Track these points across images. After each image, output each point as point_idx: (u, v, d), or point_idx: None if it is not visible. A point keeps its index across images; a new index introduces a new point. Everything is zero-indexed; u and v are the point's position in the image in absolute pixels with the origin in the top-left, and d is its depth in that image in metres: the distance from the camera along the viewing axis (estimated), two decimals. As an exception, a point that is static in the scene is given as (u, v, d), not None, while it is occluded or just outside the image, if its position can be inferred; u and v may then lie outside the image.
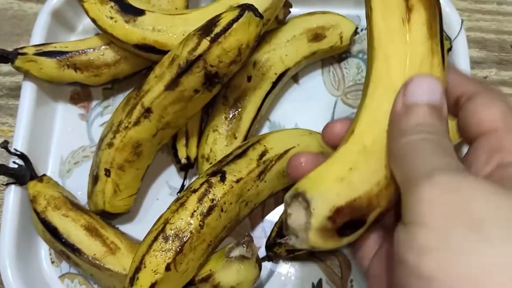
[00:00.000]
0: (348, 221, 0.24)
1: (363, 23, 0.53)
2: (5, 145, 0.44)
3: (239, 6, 0.38)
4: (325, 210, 0.24)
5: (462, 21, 0.48)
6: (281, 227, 0.43)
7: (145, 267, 0.37)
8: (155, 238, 0.38)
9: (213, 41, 0.38)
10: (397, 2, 0.27)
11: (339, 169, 0.25)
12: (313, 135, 0.45)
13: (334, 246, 0.25)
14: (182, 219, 0.38)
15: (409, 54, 0.26)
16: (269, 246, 0.44)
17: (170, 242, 0.38)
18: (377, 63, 0.27)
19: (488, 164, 0.24)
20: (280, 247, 0.43)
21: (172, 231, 0.38)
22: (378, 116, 0.26)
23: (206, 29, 0.38)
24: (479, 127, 0.26)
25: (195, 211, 0.39)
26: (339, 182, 0.25)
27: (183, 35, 0.42)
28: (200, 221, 0.38)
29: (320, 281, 0.45)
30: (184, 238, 0.38)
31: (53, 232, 0.43)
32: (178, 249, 0.37)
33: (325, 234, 0.24)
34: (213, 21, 0.38)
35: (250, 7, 0.38)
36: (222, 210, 0.40)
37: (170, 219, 0.39)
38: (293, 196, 0.25)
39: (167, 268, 0.37)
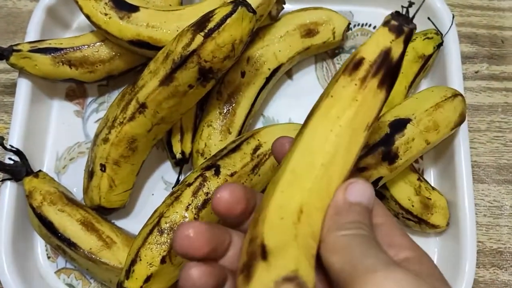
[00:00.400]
0: None
1: (356, 18, 0.54)
2: (1, 141, 0.44)
3: (232, 2, 0.39)
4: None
5: (453, 16, 0.49)
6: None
7: (140, 260, 0.38)
8: (150, 232, 0.38)
9: (207, 36, 0.38)
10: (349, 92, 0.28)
11: None
12: None
13: None
14: (177, 212, 0.39)
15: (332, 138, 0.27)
16: None
17: (165, 235, 0.38)
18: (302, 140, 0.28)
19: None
20: None
21: (167, 225, 0.38)
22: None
23: (200, 25, 0.39)
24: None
25: (189, 204, 0.39)
26: None
27: (177, 31, 0.43)
28: (195, 214, 0.39)
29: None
30: None
31: (49, 227, 0.43)
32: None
33: None
34: (207, 17, 0.39)
35: (243, 3, 0.39)
36: (216, 204, 0.40)
37: (165, 212, 0.39)
38: None
39: (163, 260, 0.37)
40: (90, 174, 0.44)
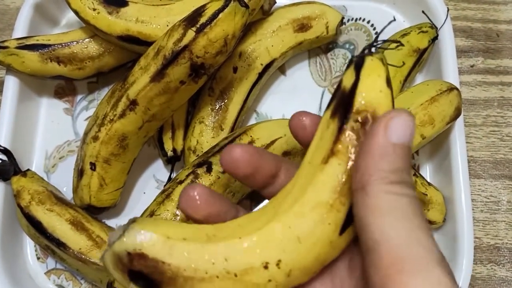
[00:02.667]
0: (143, 273, 0.23)
1: (349, 13, 0.53)
2: None
3: None
4: (131, 245, 0.23)
5: (448, 9, 0.48)
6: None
7: None
8: None
9: (198, 31, 0.37)
10: (327, 140, 0.25)
11: (181, 231, 0.25)
12: None
13: (121, 283, 0.24)
14: (168, 210, 0.38)
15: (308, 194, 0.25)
16: None
17: None
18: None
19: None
20: None
21: None
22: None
23: (191, 20, 0.38)
24: None
25: None
26: (167, 239, 0.24)
27: (167, 25, 0.42)
28: None
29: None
30: None
31: (37, 227, 0.42)
32: None
33: (117, 264, 0.23)
34: (199, 12, 0.38)
35: None
36: (208, 201, 0.39)
37: (155, 210, 0.38)
38: (132, 220, 0.24)
39: None
40: (79, 173, 0.44)
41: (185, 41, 0.38)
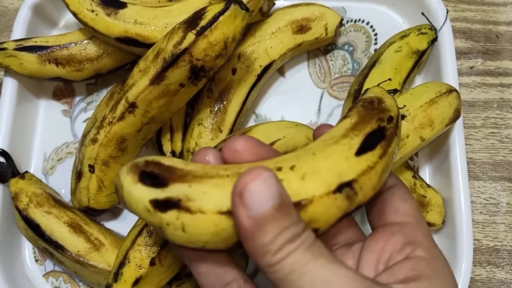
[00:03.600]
0: (154, 173, 0.24)
1: (348, 14, 0.53)
2: None
3: None
4: (150, 157, 0.25)
5: (447, 11, 0.48)
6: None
7: (129, 262, 0.37)
8: (139, 233, 0.38)
9: (199, 34, 0.37)
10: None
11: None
12: (299, 127, 0.44)
13: (128, 187, 0.24)
14: None
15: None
16: None
17: (155, 236, 0.37)
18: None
19: (400, 253, 0.27)
20: None
21: None
22: None
23: (191, 22, 0.38)
24: (395, 216, 0.28)
25: None
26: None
27: (166, 27, 0.42)
28: None
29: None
30: None
31: (35, 229, 0.42)
32: (162, 243, 0.37)
33: (132, 168, 0.25)
34: (199, 14, 0.38)
35: (236, 0, 0.38)
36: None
37: None
38: None
39: (152, 263, 0.37)
40: (78, 175, 0.43)
41: (185, 43, 0.37)
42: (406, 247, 0.26)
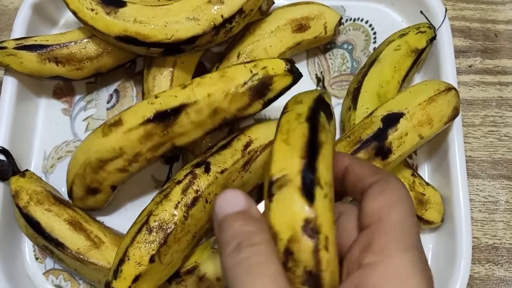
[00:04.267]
0: None
1: (348, 13, 0.53)
2: None
3: (290, 70, 0.39)
4: None
5: (446, 9, 0.48)
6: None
7: (128, 259, 0.37)
8: (139, 230, 0.38)
9: (265, 105, 0.39)
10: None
11: None
12: None
13: None
14: (166, 210, 0.38)
15: None
16: None
17: (154, 233, 0.37)
18: None
19: (355, 263, 0.25)
20: None
21: (156, 223, 0.37)
22: None
23: (258, 91, 0.38)
24: (363, 220, 0.26)
25: (179, 202, 0.38)
26: None
27: (165, 26, 0.42)
28: (185, 212, 0.38)
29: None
30: (168, 230, 0.37)
31: (35, 227, 0.42)
32: (162, 241, 0.37)
33: None
34: (266, 84, 0.38)
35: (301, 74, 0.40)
36: (206, 201, 0.39)
37: (154, 210, 0.38)
38: None
39: (151, 260, 0.37)
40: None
41: (251, 110, 0.39)
42: (361, 254, 0.25)
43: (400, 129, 0.40)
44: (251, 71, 0.39)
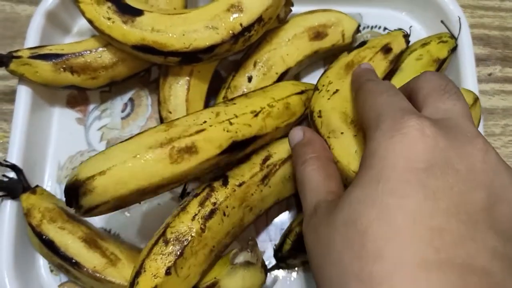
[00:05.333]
0: None
1: (365, 21, 0.52)
2: None
3: None
4: None
5: (459, 18, 0.47)
6: (297, 241, 0.42)
7: (145, 271, 0.36)
8: (156, 242, 0.37)
9: None
10: None
11: None
12: None
13: None
14: (183, 222, 0.37)
15: None
16: (282, 258, 0.43)
17: (171, 245, 0.36)
18: None
19: None
20: (295, 259, 0.42)
21: (173, 235, 0.37)
22: None
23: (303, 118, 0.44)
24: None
25: (196, 214, 0.37)
26: None
27: (183, 35, 0.41)
28: (202, 224, 0.37)
29: None
30: (185, 242, 0.36)
31: (49, 246, 0.41)
32: (178, 253, 0.36)
33: None
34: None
35: None
36: (224, 214, 0.38)
37: (170, 223, 0.38)
38: None
39: (167, 272, 0.36)
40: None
41: None
42: None
43: None
44: (304, 104, 0.43)
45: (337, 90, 0.41)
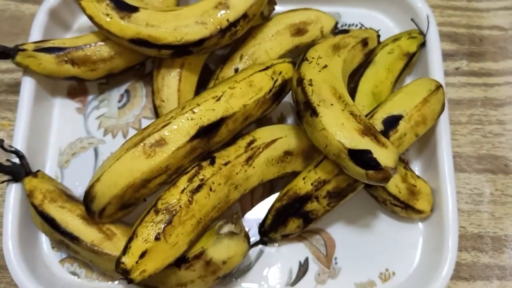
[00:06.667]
0: None
1: (343, 19, 0.57)
2: (1, 144, 0.46)
3: None
4: None
5: (428, 16, 0.51)
6: (277, 215, 0.45)
7: (136, 236, 0.39)
8: (147, 212, 0.41)
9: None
10: None
11: None
12: (301, 129, 0.47)
13: None
14: (172, 195, 0.41)
15: None
16: (264, 232, 0.47)
17: (161, 215, 0.40)
18: None
19: None
20: (275, 233, 0.46)
21: (163, 206, 0.40)
22: None
23: (278, 95, 0.45)
24: None
25: (185, 188, 0.41)
26: None
27: (175, 29, 0.45)
28: (189, 197, 0.41)
29: (306, 259, 0.48)
30: (173, 212, 0.40)
31: (51, 223, 0.44)
32: (167, 221, 0.40)
33: None
34: (283, 88, 0.46)
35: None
36: (211, 190, 0.42)
37: (162, 196, 0.41)
38: None
39: (157, 237, 0.39)
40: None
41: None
42: None
43: (400, 131, 0.43)
44: (272, 78, 0.44)
45: (326, 66, 0.43)
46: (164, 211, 0.40)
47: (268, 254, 0.48)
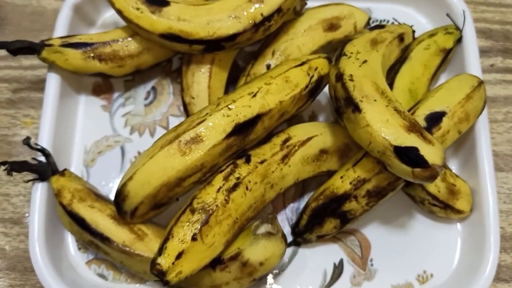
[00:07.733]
0: None
1: (374, 15, 0.55)
2: (27, 141, 0.45)
3: None
4: None
5: (463, 11, 0.50)
6: (313, 215, 0.44)
7: (172, 237, 0.38)
8: (183, 212, 0.39)
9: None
10: None
11: None
12: (336, 127, 0.47)
13: None
14: (208, 194, 0.40)
15: None
16: (299, 232, 0.46)
17: (197, 214, 0.39)
18: None
19: None
20: (311, 233, 0.45)
21: (199, 205, 0.39)
22: None
23: (314, 91, 0.44)
24: None
25: (220, 187, 0.40)
26: None
27: (208, 24, 0.44)
28: (226, 196, 0.40)
29: (341, 260, 0.47)
30: (210, 211, 0.39)
31: (80, 223, 0.43)
32: (204, 221, 0.38)
33: None
34: (319, 84, 0.45)
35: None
36: (247, 188, 0.41)
37: (197, 194, 0.40)
38: None
39: (194, 238, 0.38)
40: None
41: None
42: None
43: (443, 128, 0.42)
44: (308, 74, 0.43)
45: (365, 61, 0.42)
46: (201, 211, 0.39)
47: (302, 255, 0.47)
